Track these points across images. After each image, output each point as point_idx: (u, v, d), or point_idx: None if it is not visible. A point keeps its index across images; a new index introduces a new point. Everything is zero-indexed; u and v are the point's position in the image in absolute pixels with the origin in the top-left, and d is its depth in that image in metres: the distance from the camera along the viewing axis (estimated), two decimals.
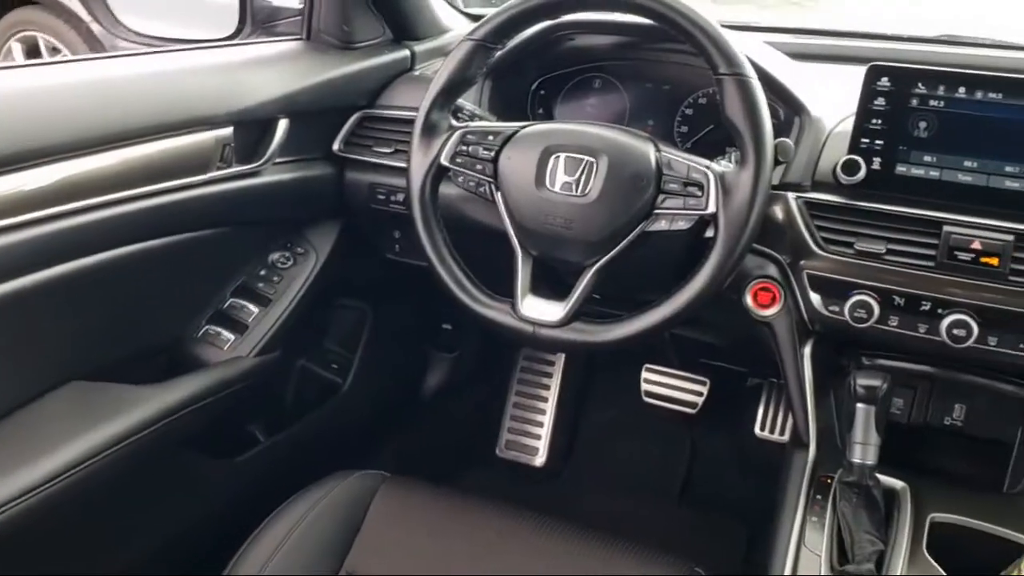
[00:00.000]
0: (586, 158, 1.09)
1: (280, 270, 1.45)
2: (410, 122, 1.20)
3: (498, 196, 1.14)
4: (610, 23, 1.35)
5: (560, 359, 2.06)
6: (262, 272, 1.44)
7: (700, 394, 1.94)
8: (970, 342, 1.07)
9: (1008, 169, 1.07)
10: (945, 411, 1.22)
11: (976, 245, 1.07)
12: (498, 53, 1.20)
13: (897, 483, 1.11)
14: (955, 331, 1.07)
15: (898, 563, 1.02)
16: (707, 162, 1.08)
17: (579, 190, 1.09)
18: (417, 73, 1.51)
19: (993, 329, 1.06)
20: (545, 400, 2.07)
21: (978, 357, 1.08)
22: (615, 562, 1.11)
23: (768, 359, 1.25)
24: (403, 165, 1.21)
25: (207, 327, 1.38)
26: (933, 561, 1.02)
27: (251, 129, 1.30)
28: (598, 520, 1.21)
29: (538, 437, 2.05)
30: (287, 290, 1.44)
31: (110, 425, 1.17)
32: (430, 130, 1.17)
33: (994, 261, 1.06)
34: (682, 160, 1.08)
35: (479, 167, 1.14)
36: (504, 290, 1.14)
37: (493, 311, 1.14)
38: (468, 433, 2.09)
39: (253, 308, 1.41)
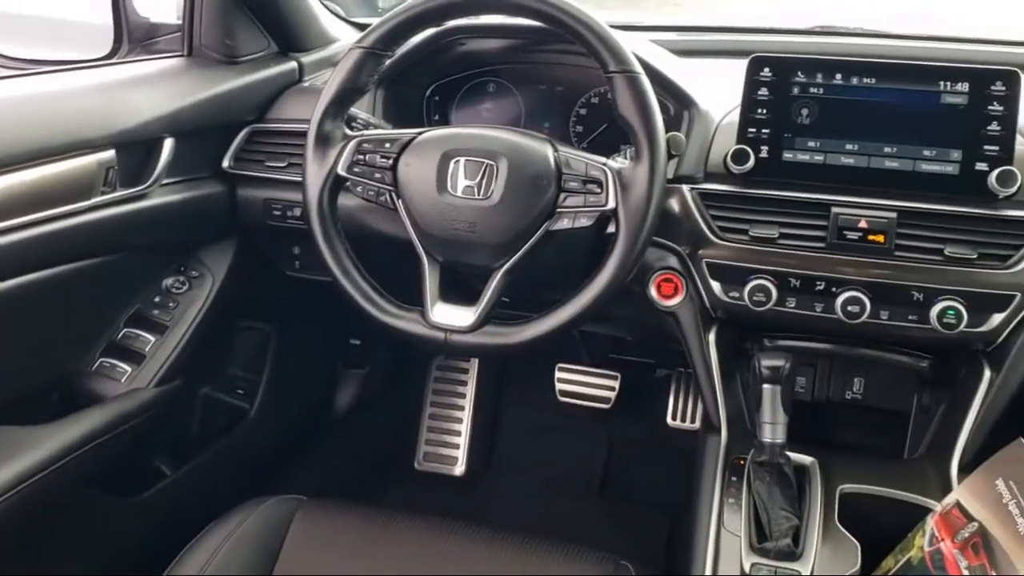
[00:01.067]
0: (486, 161, 1.09)
1: (175, 295, 1.40)
2: (302, 134, 1.18)
3: (399, 204, 1.12)
4: (500, 27, 1.36)
5: (474, 366, 2.06)
6: (156, 298, 1.38)
7: (613, 389, 1.96)
8: (864, 317, 1.11)
9: (887, 149, 1.13)
10: (845, 386, 1.26)
11: (863, 224, 1.11)
12: (389, 61, 1.19)
13: (806, 459, 1.15)
14: (849, 308, 1.11)
15: (813, 535, 1.05)
16: (604, 159, 1.09)
17: (481, 193, 1.09)
18: (306, 84, 1.48)
19: (884, 303, 1.11)
20: (461, 409, 2.07)
21: (872, 331, 1.13)
22: (543, 563, 1.11)
23: (675, 349, 1.27)
24: (298, 179, 1.19)
25: (102, 360, 1.32)
26: (845, 531, 1.06)
27: (135, 150, 1.25)
28: (523, 523, 1.21)
29: (456, 446, 2.04)
30: (184, 316, 1.39)
31: (2, 470, 1.10)
32: (324, 140, 1.15)
33: (880, 238, 1.11)
34: (580, 158, 1.09)
35: (378, 175, 1.13)
36: (413, 300, 1.13)
37: (403, 321, 1.12)
38: (385, 448, 2.06)
39: (149, 337, 1.35)
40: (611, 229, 1.08)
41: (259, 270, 1.51)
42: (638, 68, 1.07)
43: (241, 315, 1.61)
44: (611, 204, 1.06)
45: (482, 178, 1.09)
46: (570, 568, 1.10)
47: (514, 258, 1.09)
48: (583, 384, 2.00)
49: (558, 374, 1.99)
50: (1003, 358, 1.11)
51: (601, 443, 2.05)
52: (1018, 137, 1.09)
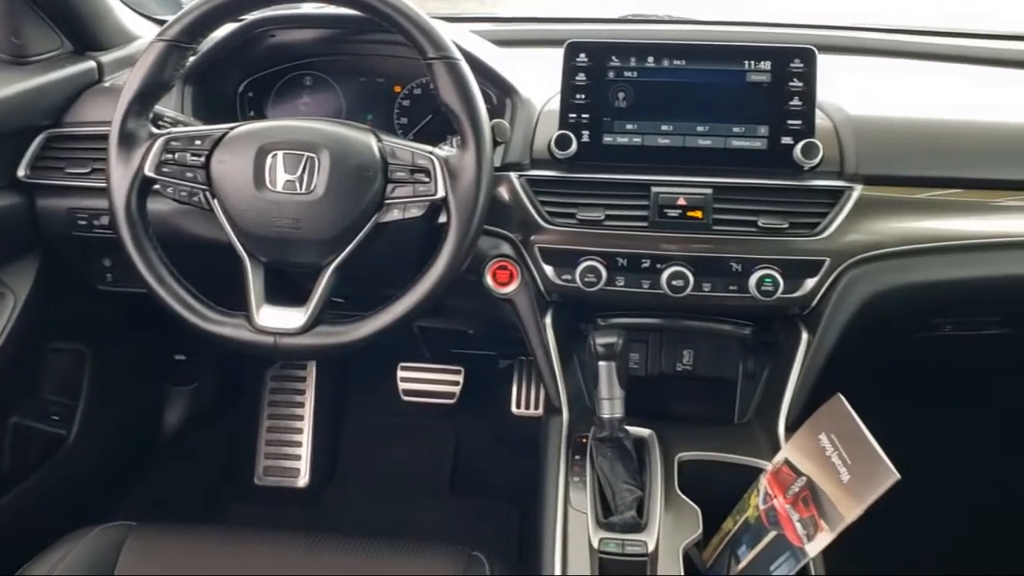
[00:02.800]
0: (306, 154, 1.05)
1: None
2: (104, 137, 1.09)
3: (215, 204, 1.07)
4: (312, 16, 1.31)
5: (311, 372, 2.00)
6: None
7: (457, 384, 1.96)
8: (688, 291, 1.15)
9: (700, 128, 1.17)
10: (676, 358, 1.31)
11: (681, 201, 1.15)
12: (195, 55, 1.12)
13: (645, 431, 1.18)
14: (674, 282, 1.15)
15: (656, 505, 1.08)
16: (430, 148, 1.08)
17: (304, 187, 1.05)
18: (107, 84, 1.38)
19: (706, 276, 1.16)
20: (300, 418, 2.00)
21: (697, 303, 1.18)
22: (395, 564, 1.09)
23: (515, 337, 1.28)
24: (102, 184, 1.10)
25: None
26: (686, 497, 1.10)
27: None
28: (374, 529, 1.17)
29: (298, 458, 1.98)
30: None
31: None
32: (128, 140, 1.07)
33: (699, 214, 1.15)
34: (406, 148, 1.07)
35: (189, 175, 1.06)
36: (241, 306, 1.07)
37: (227, 327, 1.07)
38: (221, 466, 1.96)
39: None
40: (443, 219, 1.07)
41: (68, 286, 1.40)
42: (457, 54, 1.06)
43: (51, 336, 1.48)
44: (441, 193, 1.04)
45: (303, 172, 1.05)
46: (423, 565, 1.08)
47: (343, 254, 1.05)
48: (426, 382, 1.99)
49: (400, 373, 1.97)
50: (817, 320, 1.18)
51: (448, 439, 2.04)
52: (817, 111, 1.16)
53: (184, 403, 1.86)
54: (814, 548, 0.94)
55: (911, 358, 1.61)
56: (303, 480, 1.95)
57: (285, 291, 1.11)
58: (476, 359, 1.95)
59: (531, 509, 1.18)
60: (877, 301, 1.17)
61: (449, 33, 1.08)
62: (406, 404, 1.96)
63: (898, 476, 0.87)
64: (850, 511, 0.90)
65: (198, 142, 1.07)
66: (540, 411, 1.84)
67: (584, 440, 1.16)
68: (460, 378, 1.97)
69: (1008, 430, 1.84)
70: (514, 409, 1.88)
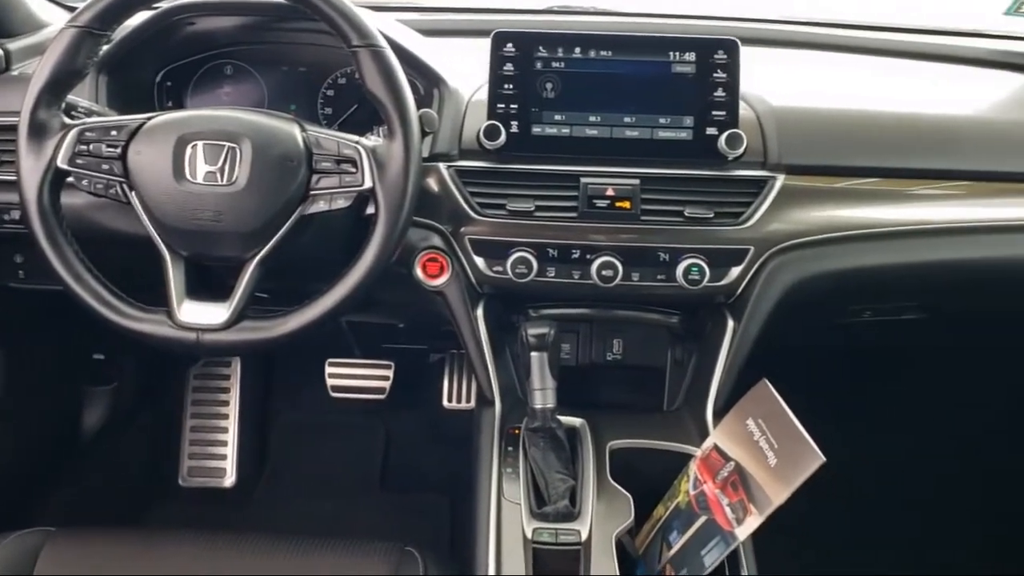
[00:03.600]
0: (227, 144, 1.02)
1: None
2: (13, 128, 1.05)
3: (133, 196, 1.03)
4: (232, 4, 1.28)
5: (236, 369, 1.95)
6: None
7: (387, 379, 1.94)
8: (617, 280, 1.16)
9: (627, 119, 1.18)
10: (606, 348, 1.32)
11: (610, 192, 1.16)
12: (109, 44, 1.08)
13: (576, 420, 1.19)
14: (604, 272, 1.16)
15: (588, 493, 1.08)
16: (356, 137, 1.06)
17: (225, 179, 1.02)
18: (15, 73, 1.32)
19: (635, 266, 1.17)
20: (225, 417, 1.96)
21: (626, 293, 1.18)
22: (326, 563, 1.07)
23: (446, 330, 1.27)
24: (12, 178, 1.06)
25: None
26: (618, 485, 1.10)
27: None
28: (304, 527, 1.16)
29: (224, 457, 1.94)
30: None
31: None
32: (39, 131, 1.03)
33: (627, 204, 1.16)
34: (331, 138, 1.05)
35: (105, 167, 1.02)
36: (161, 301, 1.04)
37: (147, 324, 1.03)
38: (144, 468, 1.91)
39: None
40: (371, 210, 1.05)
41: None
42: (382, 42, 1.05)
43: None
44: (368, 183, 1.03)
45: (224, 162, 1.02)
46: (355, 563, 1.07)
47: (267, 247, 1.03)
48: (356, 377, 1.96)
49: (328, 369, 1.94)
50: (743, 308, 1.20)
51: (379, 435, 2.02)
52: (741, 103, 1.18)
53: (104, 403, 1.79)
54: (743, 532, 0.95)
55: (834, 344, 1.66)
56: (230, 480, 1.91)
57: (208, 286, 1.08)
58: (406, 353, 1.94)
59: (464, 502, 1.18)
60: (799, 288, 1.20)
61: (374, 21, 1.07)
62: (335, 400, 1.94)
63: (823, 459, 0.89)
64: (778, 494, 0.92)
65: (114, 132, 1.03)
66: (472, 404, 1.83)
67: (516, 431, 1.16)
68: (390, 373, 1.95)
69: (927, 414, 1.91)
70: (445, 403, 1.87)
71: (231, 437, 1.94)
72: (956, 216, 1.23)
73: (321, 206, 1.04)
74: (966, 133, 1.31)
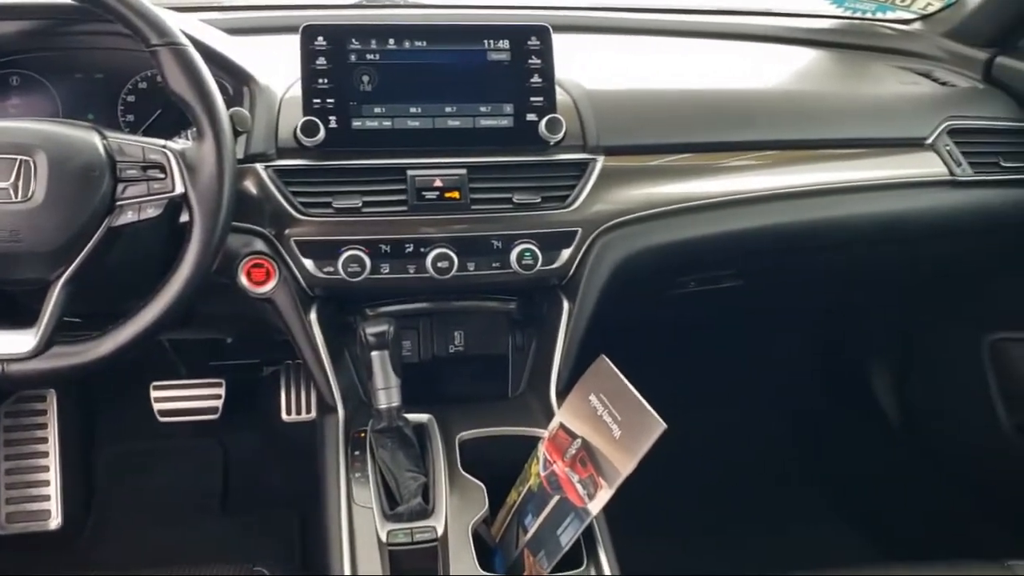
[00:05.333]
0: (19, 157, 0.94)
1: None
2: None
3: None
4: (13, 6, 1.17)
5: (52, 401, 1.81)
6: None
7: (219, 397, 1.85)
8: (454, 271, 1.15)
9: (448, 109, 1.17)
10: (448, 340, 1.31)
11: (438, 183, 1.15)
12: None
13: (424, 416, 1.17)
14: (439, 264, 1.15)
15: (441, 488, 1.07)
16: (163, 141, 1.00)
17: (20, 195, 0.94)
18: None
19: (469, 255, 1.16)
20: (44, 455, 1.81)
21: (463, 283, 1.18)
22: None
23: (279, 340, 1.22)
24: None
25: None
26: (470, 476, 1.10)
27: None
28: (142, 560, 1.08)
29: (47, 498, 1.79)
30: None
31: None
32: None
33: (456, 195, 1.15)
34: (135, 143, 0.99)
35: None
36: None
37: None
38: None
39: None
40: (185, 217, 1.00)
41: None
42: (184, 39, 0.99)
43: None
44: (179, 189, 0.97)
45: (18, 177, 0.93)
46: None
47: (73, 265, 0.95)
48: (185, 399, 1.86)
49: (154, 393, 1.83)
50: (576, 288, 1.22)
51: (216, 456, 1.93)
52: (558, 88, 1.20)
53: None
54: (596, 506, 0.97)
55: (665, 317, 1.73)
56: (55, 521, 1.77)
57: (10, 312, 0.99)
58: (238, 369, 1.85)
59: (314, 515, 1.14)
60: (627, 264, 1.23)
61: (175, 20, 1.01)
62: (165, 425, 1.83)
63: (664, 425, 0.91)
64: (625, 465, 0.94)
65: None
66: (313, 414, 1.78)
67: (362, 435, 1.13)
68: (221, 391, 1.86)
69: (753, 381, 2.03)
70: (284, 416, 1.80)
71: (53, 475, 1.80)
72: (763, 185, 1.31)
73: (129, 217, 0.97)
74: (767, 106, 1.40)
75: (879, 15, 1.82)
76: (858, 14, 1.83)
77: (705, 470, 1.89)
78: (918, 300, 1.83)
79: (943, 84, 1.54)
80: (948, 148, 1.40)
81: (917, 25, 1.75)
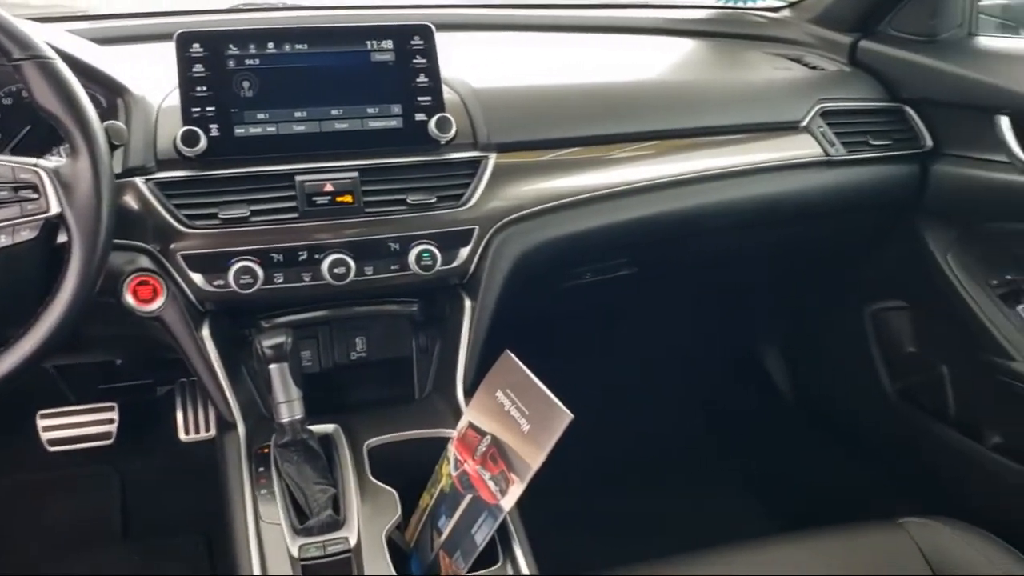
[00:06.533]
0: None
1: None
2: None
3: None
4: None
5: None
6: None
7: (112, 421, 1.76)
8: (351, 277, 1.13)
9: (334, 112, 1.15)
10: (349, 347, 1.29)
11: (329, 188, 1.13)
12: None
13: (329, 427, 1.15)
14: (335, 270, 1.12)
15: (352, 498, 1.05)
16: (33, 160, 0.95)
17: None
18: None
19: (366, 260, 1.15)
20: None
21: (362, 288, 1.16)
22: None
23: (171, 358, 1.18)
24: None
25: None
26: (381, 483, 1.09)
27: None
28: None
29: None
30: None
31: None
32: None
33: (349, 198, 1.14)
34: (4, 163, 0.93)
35: None
36: None
37: None
38: None
39: None
40: (63, 238, 0.95)
41: None
42: (49, 52, 0.94)
43: None
44: (55, 209, 0.92)
45: None
46: None
47: None
48: (75, 426, 1.76)
49: (41, 422, 1.73)
50: (477, 286, 1.22)
51: (113, 483, 1.85)
52: (445, 87, 1.20)
53: None
54: (508, 502, 0.98)
55: (566, 308, 1.74)
56: None
57: None
58: (130, 391, 1.77)
59: (220, 535, 1.10)
60: (526, 259, 1.24)
61: (38, 32, 0.96)
62: (55, 455, 1.74)
63: (571, 416, 0.92)
64: (534, 458, 0.95)
65: None
66: (213, 432, 1.72)
67: (266, 450, 1.11)
68: (114, 415, 1.77)
69: (650, 363, 2.07)
70: (182, 436, 1.74)
71: None
72: (649, 174, 1.34)
73: (2, 241, 0.92)
74: (650, 97, 1.43)
75: (750, 3, 1.89)
76: (731, 3, 1.90)
77: (614, 458, 1.92)
78: (804, 279, 1.91)
79: (813, 68, 1.61)
80: (822, 129, 1.46)
81: (786, 12, 1.82)
